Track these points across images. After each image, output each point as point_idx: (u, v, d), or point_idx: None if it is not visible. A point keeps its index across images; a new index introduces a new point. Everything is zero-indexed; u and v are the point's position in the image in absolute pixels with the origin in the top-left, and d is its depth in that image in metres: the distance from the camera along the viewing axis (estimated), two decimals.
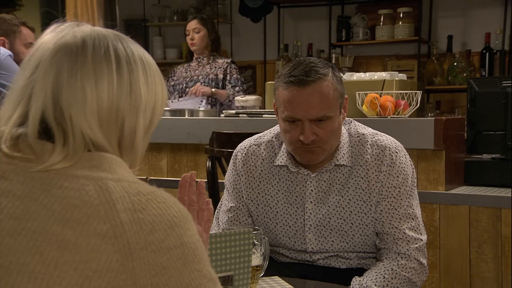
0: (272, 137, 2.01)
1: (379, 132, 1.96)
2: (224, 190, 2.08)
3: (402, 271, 1.84)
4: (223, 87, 4.27)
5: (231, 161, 2.06)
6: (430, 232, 2.82)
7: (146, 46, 6.57)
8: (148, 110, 1.02)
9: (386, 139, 1.93)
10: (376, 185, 1.88)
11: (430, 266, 2.82)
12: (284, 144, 1.95)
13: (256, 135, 2.07)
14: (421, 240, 1.89)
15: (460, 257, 2.79)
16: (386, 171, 1.88)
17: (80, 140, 0.95)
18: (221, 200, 2.10)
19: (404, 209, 1.89)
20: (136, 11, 6.51)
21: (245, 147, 2.03)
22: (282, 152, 1.96)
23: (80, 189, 0.90)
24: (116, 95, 0.97)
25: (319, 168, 1.92)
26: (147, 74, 1.02)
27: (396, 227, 1.88)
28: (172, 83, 4.41)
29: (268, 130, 2.06)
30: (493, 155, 3.04)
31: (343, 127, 1.94)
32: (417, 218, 1.91)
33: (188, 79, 4.34)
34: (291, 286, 1.69)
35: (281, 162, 1.95)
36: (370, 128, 1.98)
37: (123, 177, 0.94)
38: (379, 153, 1.89)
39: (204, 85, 4.25)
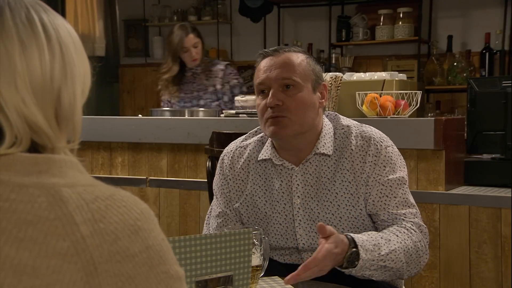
0: (260, 137, 2.00)
1: (364, 124, 1.96)
2: (214, 195, 2.06)
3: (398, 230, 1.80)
4: (227, 95, 4.06)
5: (218, 165, 2.04)
6: (430, 232, 2.81)
7: (146, 46, 6.57)
8: (81, 76, 0.92)
9: (371, 130, 1.92)
10: (361, 176, 1.86)
11: (430, 266, 2.82)
12: (269, 139, 1.94)
13: (242, 136, 2.06)
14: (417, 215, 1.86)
15: (460, 257, 2.79)
16: (372, 161, 1.86)
17: (17, 118, 0.82)
18: (211, 205, 2.08)
19: (397, 195, 1.84)
20: (136, 11, 6.51)
21: (231, 150, 2.03)
22: (267, 146, 1.96)
23: (31, 201, 0.79)
24: (48, 61, 0.86)
25: (302, 160, 1.91)
26: (73, 39, 0.92)
27: (394, 213, 1.83)
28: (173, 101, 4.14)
29: (255, 129, 2.04)
30: (493, 155, 3.04)
31: (326, 118, 1.94)
32: (414, 205, 1.87)
33: (192, 97, 4.08)
34: (291, 286, 1.69)
35: (265, 156, 1.95)
36: (354, 121, 1.97)
37: (77, 181, 0.84)
38: (364, 144, 1.88)
39: (209, 101, 4.01)
